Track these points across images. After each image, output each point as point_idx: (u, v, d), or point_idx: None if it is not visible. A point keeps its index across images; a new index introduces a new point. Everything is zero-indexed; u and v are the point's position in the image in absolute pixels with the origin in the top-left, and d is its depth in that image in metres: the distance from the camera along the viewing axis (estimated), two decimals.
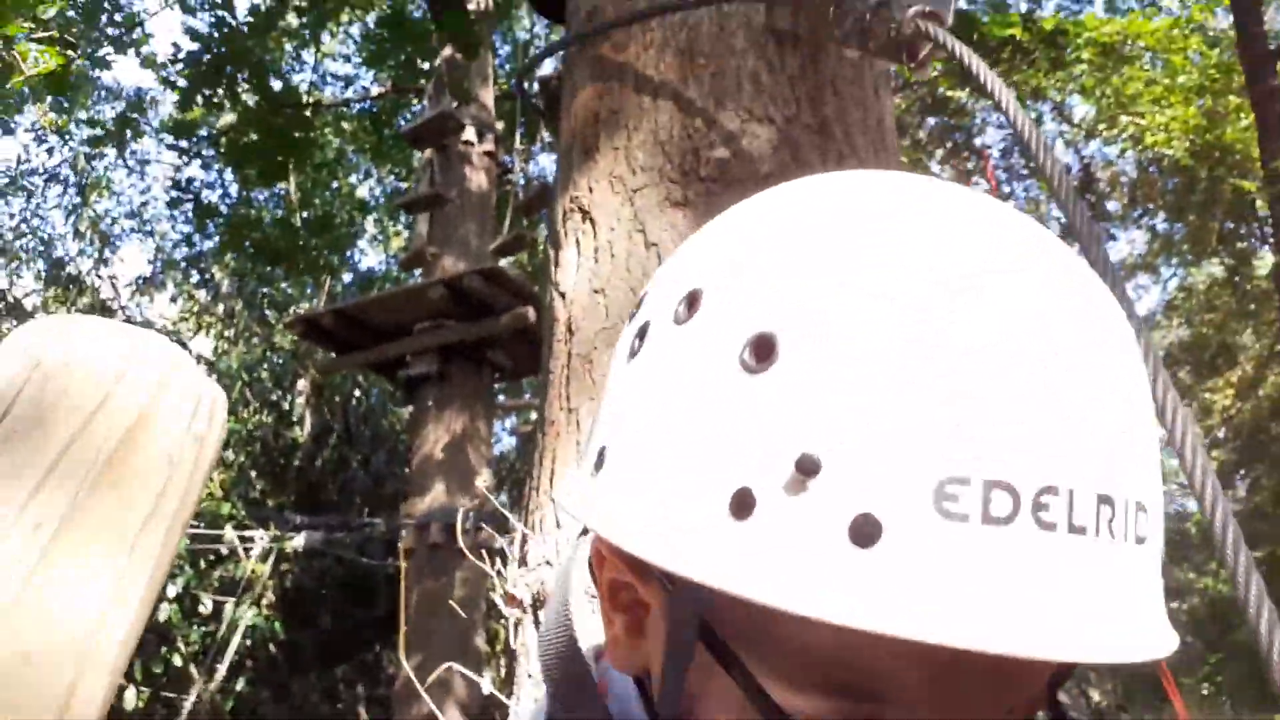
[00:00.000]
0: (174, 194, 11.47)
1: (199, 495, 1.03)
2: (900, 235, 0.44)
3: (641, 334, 0.50)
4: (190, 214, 11.60)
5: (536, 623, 1.68)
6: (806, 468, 0.40)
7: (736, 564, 0.41)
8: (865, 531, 0.39)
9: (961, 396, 0.40)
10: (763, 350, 0.43)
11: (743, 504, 0.41)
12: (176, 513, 0.97)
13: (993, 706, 0.44)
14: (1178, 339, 15.81)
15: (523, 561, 1.79)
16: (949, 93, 11.97)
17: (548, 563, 1.73)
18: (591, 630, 0.57)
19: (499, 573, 1.78)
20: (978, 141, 14.45)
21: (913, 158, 12.76)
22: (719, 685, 0.46)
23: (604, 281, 1.85)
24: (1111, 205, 15.54)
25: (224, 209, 12.29)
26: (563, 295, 1.93)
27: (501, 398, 10.94)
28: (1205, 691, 17.83)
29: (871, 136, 2.02)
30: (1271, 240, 11.19)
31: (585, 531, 0.57)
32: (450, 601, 6.41)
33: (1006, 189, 14.84)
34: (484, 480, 7.70)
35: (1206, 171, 12.78)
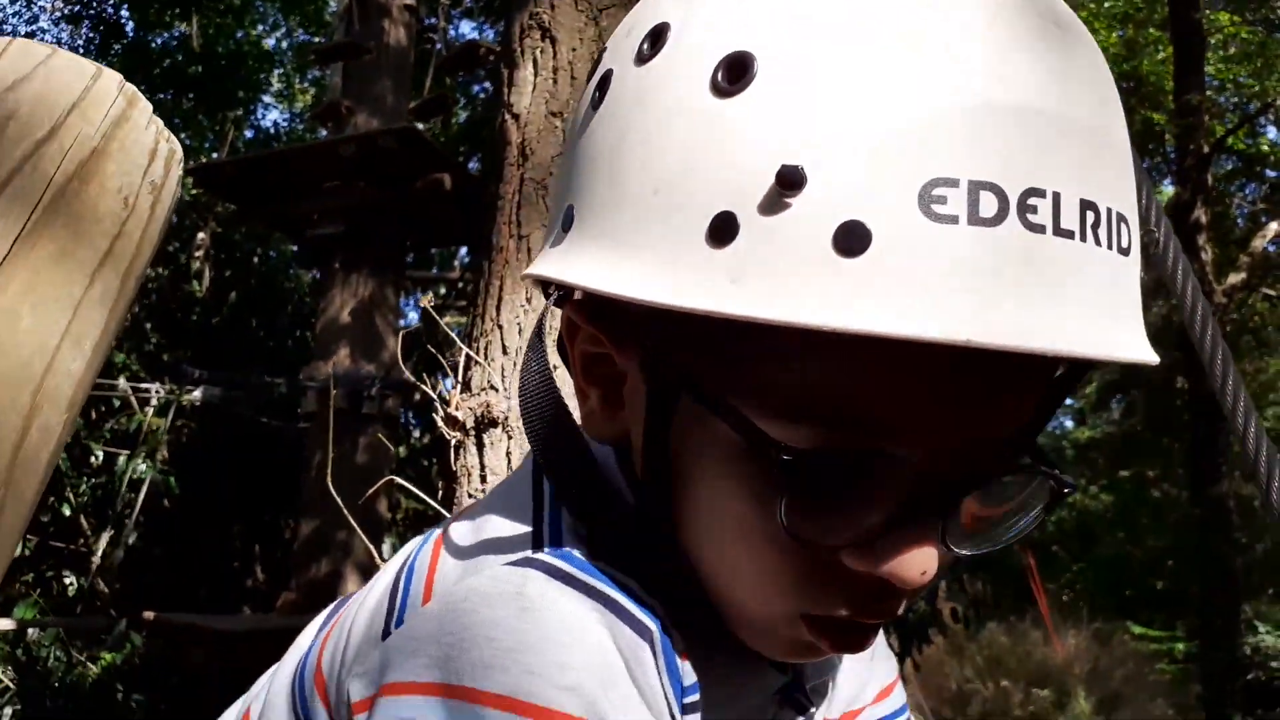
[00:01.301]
0: (73, 12, 10.59)
1: (152, 253, 0.96)
2: None
3: (602, 84, 0.49)
4: (84, 44, 10.77)
5: (479, 446, 1.66)
6: (788, 181, 0.39)
7: (724, 288, 0.41)
8: (852, 239, 0.39)
9: (946, 100, 0.39)
10: (736, 70, 0.42)
11: (723, 228, 0.41)
12: (132, 261, 0.91)
13: (987, 431, 0.44)
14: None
15: (465, 386, 1.75)
16: None
17: (491, 388, 1.70)
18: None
19: (440, 396, 1.75)
20: None
21: None
22: (703, 436, 0.46)
23: (562, 104, 1.79)
24: None
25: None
26: (516, 117, 1.85)
27: (409, 270, 10.72)
28: (1066, 598, 19.09)
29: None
30: (1174, 173, 11.58)
31: (556, 302, 0.55)
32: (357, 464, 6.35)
33: None
34: (392, 350, 7.58)
35: (1121, 100, 13.07)
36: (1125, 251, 0.43)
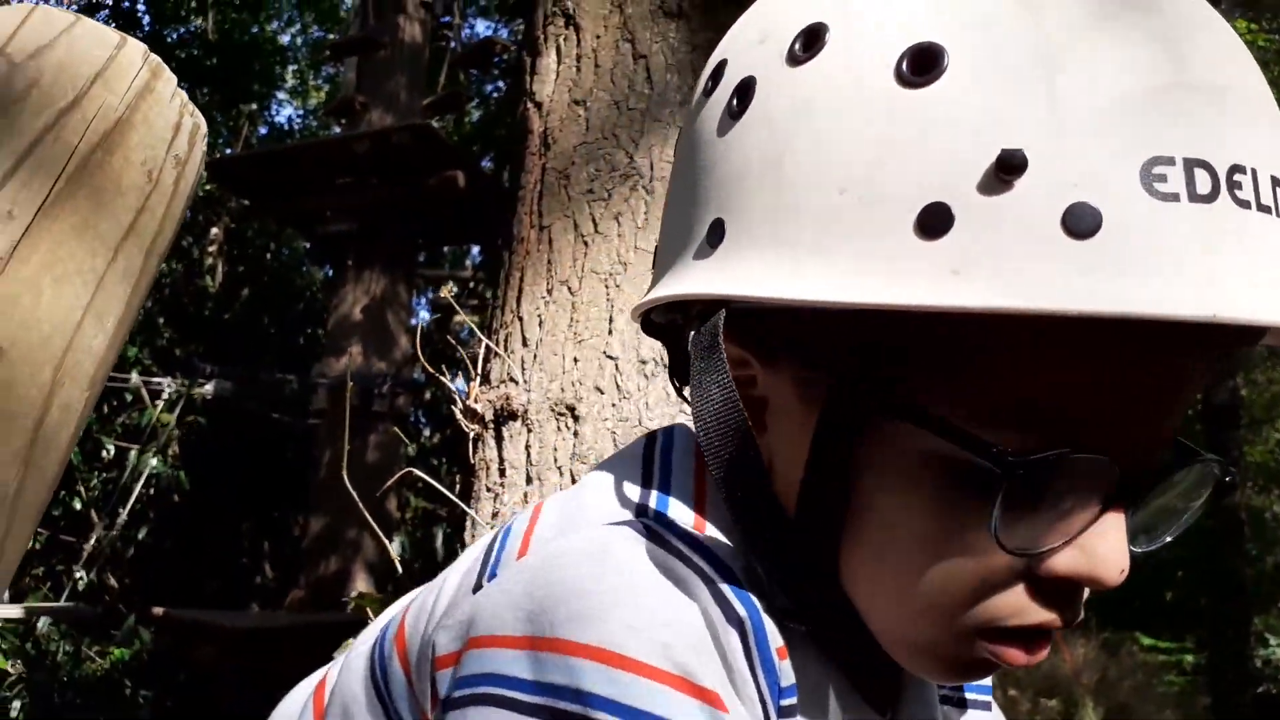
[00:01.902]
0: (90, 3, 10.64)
1: (176, 228, 0.93)
2: None
3: (743, 92, 0.46)
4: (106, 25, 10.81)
5: (498, 439, 1.63)
6: (1010, 165, 0.38)
7: (946, 280, 0.39)
8: (1083, 221, 0.38)
9: (1152, 78, 0.39)
10: (925, 61, 0.40)
11: (936, 219, 0.39)
12: (155, 237, 0.88)
13: (1167, 415, 0.44)
14: None
15: (485, 379, 1.73)
16: None
17: (511, 380, 1.67)
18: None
19: (458, 391, 1.72)
20: None
21: None
22: (880, 452, 0.44)
23: (586, 92, 1.76)
24: None
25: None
26: (538, 105, 1.82)
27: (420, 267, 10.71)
28: None
29: None
30: None
31: (684, 340, 0.53)
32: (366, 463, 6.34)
33: None
34: (404, 348, 7.57)
35: None
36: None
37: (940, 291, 0.39)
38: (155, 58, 0.92)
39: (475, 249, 11.00)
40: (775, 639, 0.45)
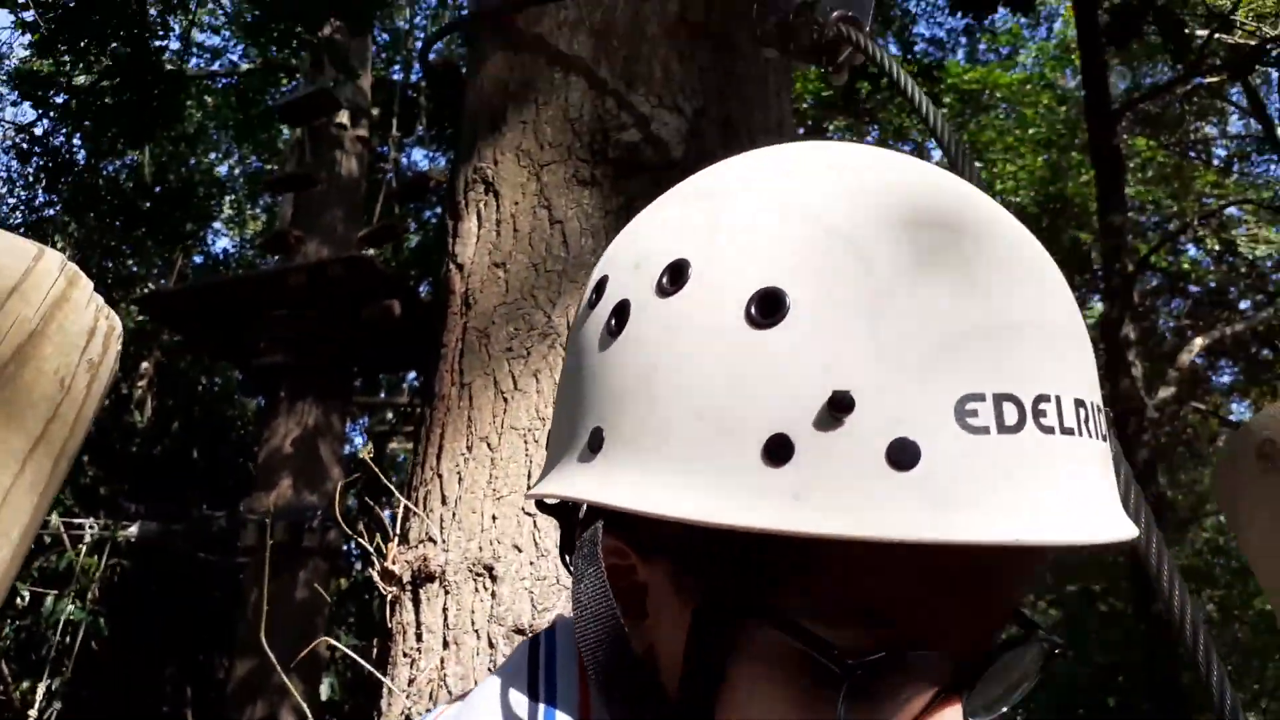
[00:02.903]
0: (22, 146, 10.63)
1: (87, 429, 0.96)
2: (869, 190, 0.49)
3: (619, 313, 0.51)
4: (33, 174, 10.78)
5: (415, 602, 1.63)
6: (840, 404, 0.43)
7: (788, 505, 0.43)
8: (904, 454, 0.42)
9: (966, 323, 0.44)
10: (769, 305, 0.45)
11: (779, 449, 0.44)
12: (66, 443, 0.90)
13: (998, 610, 0.49)
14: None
15: (404, 538, 1.74)
16: (822, 125, 12.38)
17: (430, 539, 1.68)
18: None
19: (377, 548, 1.73)
20: None
21: None
22: (746, 645, 0.48)
23: (505, 255, 1.83)
24: None
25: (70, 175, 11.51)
26: (460, 267, 1.89)
27: (356, 396, 10.63)
28: (1019, 718, 18.84)
29: (772, 138, 2.07)
30: (1102, 291, 11.98)
31: (574, 520, 0.58)
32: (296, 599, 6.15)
33: None
34: (336, 479, 7.45)
35: (1048, 221, 13.64)
36: (1104, 438, 0.49)
37: (784, 517, 0.43)
38: (72, 266, 0.96)
39: (412, 374, 10.99)
40: None
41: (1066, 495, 0.44)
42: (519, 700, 0.54)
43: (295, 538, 7.00)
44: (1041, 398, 0.44)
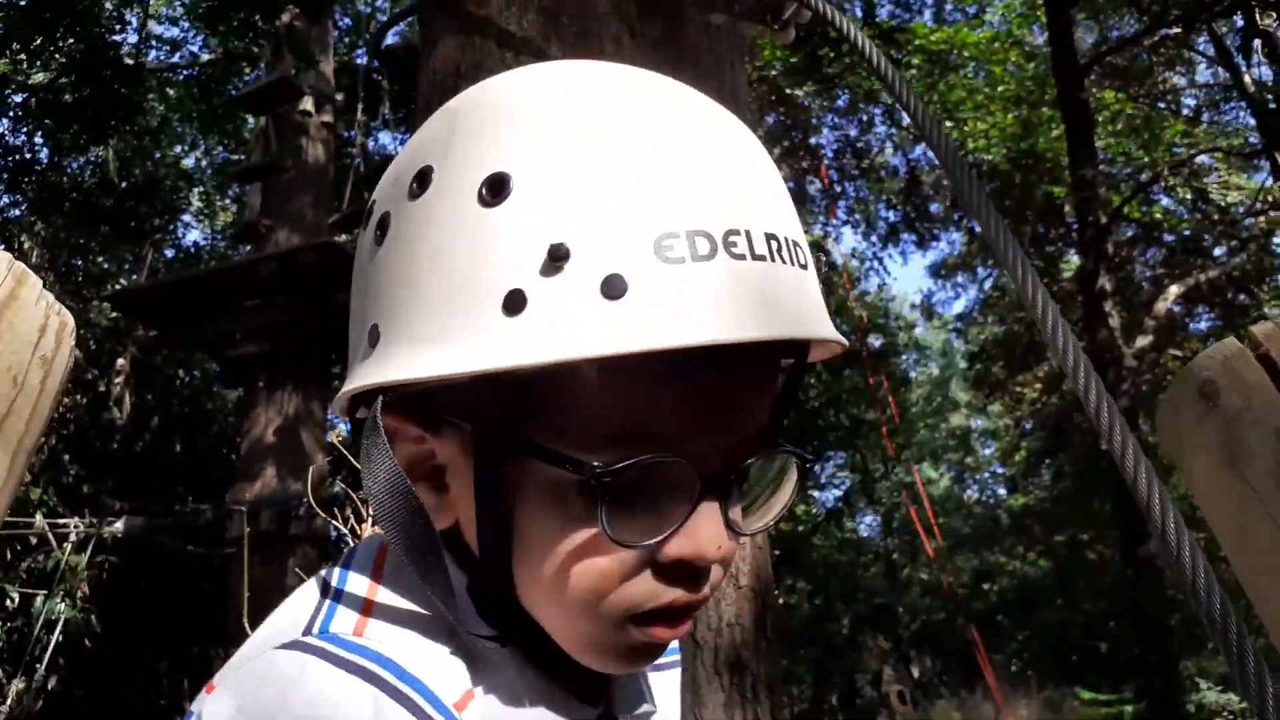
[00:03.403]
0: None
1: (44, 426, 0.97)
2: (581, 87, 0.58)
3: (382, 224, 0.60)
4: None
5: None
6: (558, 254, 0.51)
7: (525, 346, 0.51)
8: (615, 287, 0.51)
9: (658, 178, 0.54)
10: (496, 186, 0.54)
11: (514, 301, 0.52)
12: (21, 438, 0.92)
13: (736, 422, 0.58)
14: (992, 335, 16.81)
15: (375, 522, 1.76)
16: (789, 90, 12.37)
17: None
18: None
19: (351, 529, 1.75)
20: (813, 141, 14.98)
21: None
22: (526, 482, 0.56)
23: None
24: (934, 207, 16.43)
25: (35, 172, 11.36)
26: None
27: (335, 382, 10.60)
28: (1014, 668, 19.08)
29: (727, 108, 2.08)
30: (1077, 244, 12.06)
31: (367, 422, 0.62)
32: (286, 589, 6.17)
33: (838, 188, 15.46)
34: (320, 463, 7.46)
35: (1021, 177, 13.69)
36: (804, 267, 0.58)
37: (521, 353, 0.51)
38: (19, 265, 0.97)
39: None
40: (452, 695, 0.54)
41: (756, 305, 0.53)
42: (305, 606, 0.59)
43: (282, 526, 7.03)
44: (731, 232, 0.54)
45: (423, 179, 0.57)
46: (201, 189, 15.09)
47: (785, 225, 0.58)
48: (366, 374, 0.58)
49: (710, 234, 0.53)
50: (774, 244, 0.56)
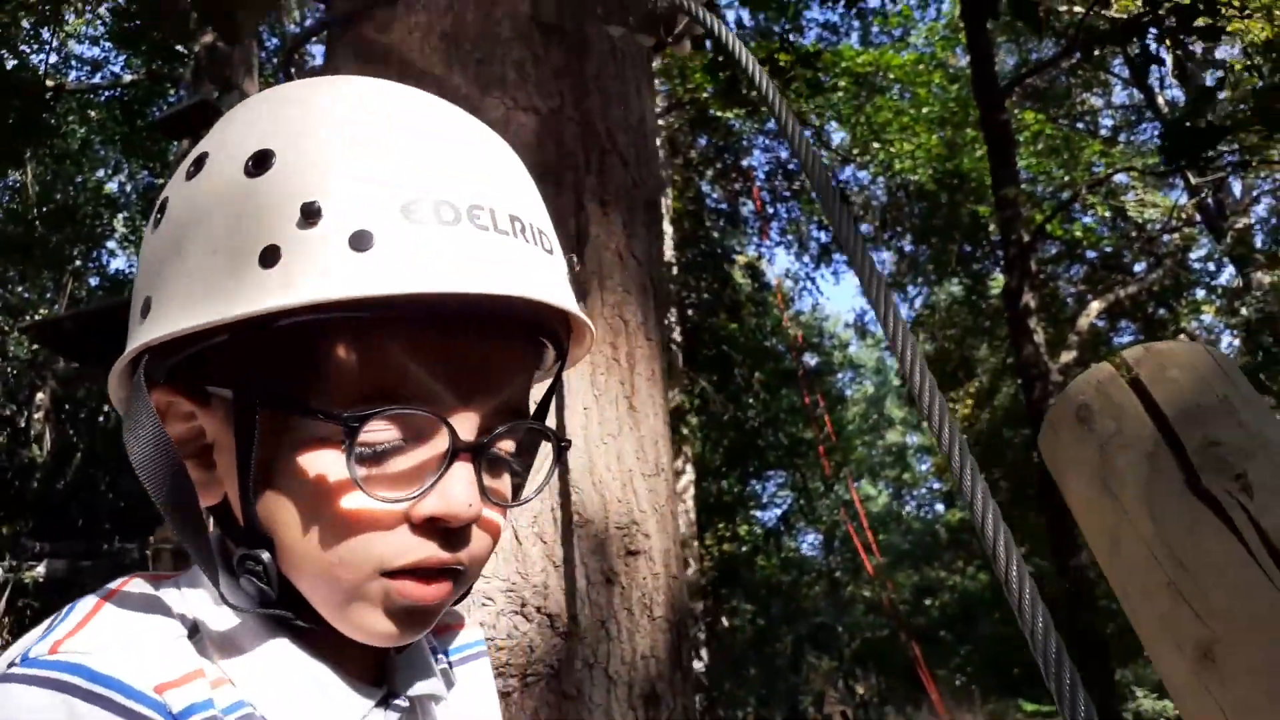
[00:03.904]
0: None
1: None
2: (351, 89, 0.63)
3: (161, 207, 0.63)
4: None
5: None
6: (310, 212, 0.56)
7: (277, 292, 0.55)
8: (362, 241, 0.55)
9: (410, 152, 0.59)
10: (261, 160, 0.58)
11: (270, 255, 0.55)
12: None
13: (489, 389, 0.61)
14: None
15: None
16: (718, 114, 12.49)
17: None
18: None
19: None
20: (745, 163, 15.14)
21: (684, 176, 13.20)
22: (284, 440, 0.58)
23: None
24: (865, 228, 16.70)
25: None
26: None
27: None
28: (958, 682, 19.31)
29: (633, 135, 2.09)
30: (1002, 263, 12.32)
31: (132, 385, 0.64)
32: None
33: (770, 209, 15.64)
34: None
35: (947, 197, 13.98)
36: (550, 252, 0.63)
37: (272, 299, 0.54)
38: None
39: None
40: (156, 679, 0.55)
41: (497, 271, 0.58)
42: (150, 598, 0.60)
43: None
44: (476, 206, 0.59)
45: (199, 163, 0.61)
46: (126, 214, 14.76)
47: (531, 213, 0.63)
48: (135, 340, 0.60)
49: (455, 205, 0.58)
50: (517, 224, 0.61)
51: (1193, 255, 14.56)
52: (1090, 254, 14.93)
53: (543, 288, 0.60)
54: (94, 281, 13.72)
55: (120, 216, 14.62)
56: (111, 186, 14.67)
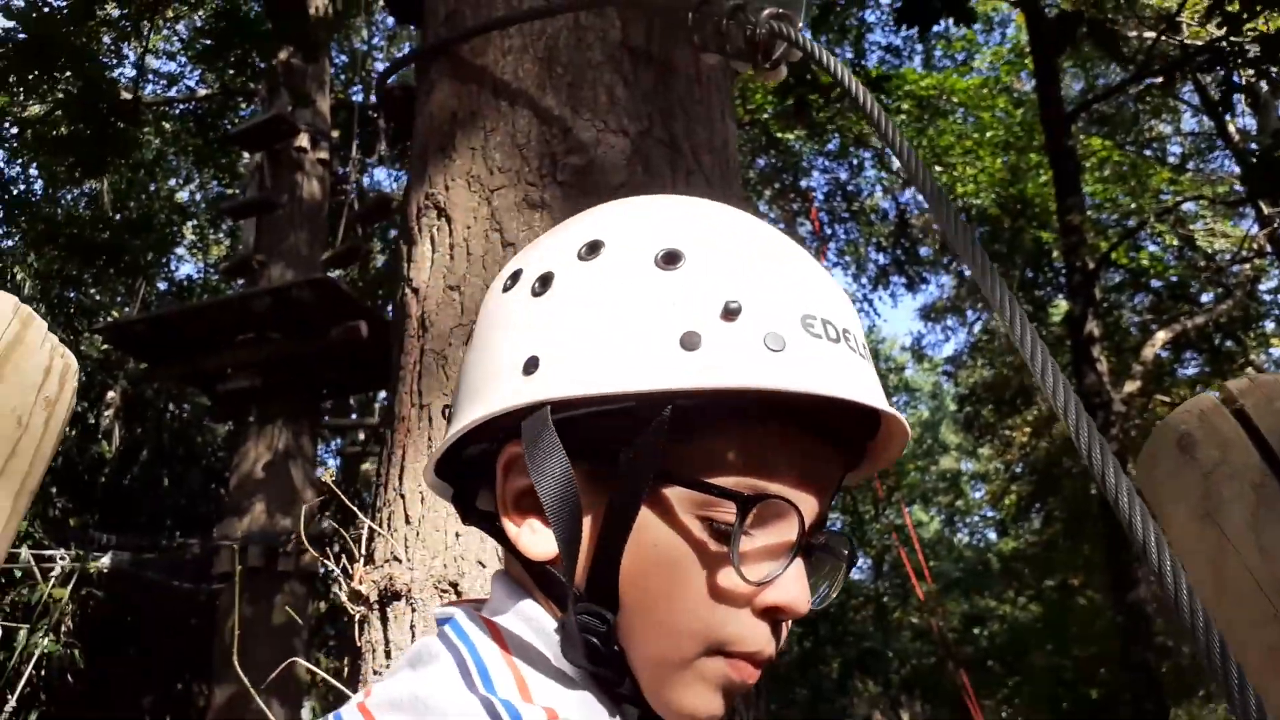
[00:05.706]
0: None
1: (46, 466, 0.99)
2: (707, 205, 0.72)
3: (544, 280, 0.67)
4: None
5: (383, 620, 1.66)
6: (731, 311, 0.62)
7: (698, 374, 0.60)
8: (777, 342, 0.62)
9: (790, 272, 0.67)
10: (672, 257, 0.64)
11: (691, 339, 0.61)
12: (25, 479, 0.94)
13: (827, 489, 0.67)
14: (981, 378, 16.85)
15: (369, 559, 1.77)
16: (779, 135, 12.51)
17: (395, 559, 1.72)
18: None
19: (344, 569, 1.76)
20: (804, 184, 15.12)
21: (743, 196, 13.21)
22: (652, 509, 0.62)
23: (459, 278, 1.87)
24: (924, 250, 16.56)
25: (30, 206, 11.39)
26: (415, 291, 1.93)
27: (326, 418, 10.57)
28: (1005, 714, 18.92)
29: (717, 156, 2.12)
30: (1065, 289, 12.13)
31: (468, 485, 0.69)
32: (275, 622, 6.12)
33: (828, 230, 15.58)
34: (309, 502, 7.42)
35: (1010, 222, 13.82)
36: (866, 359, 0.69)
37: (702, 378, 0.60)
38: (25, 308, 0.99)
39: (383, 394, 10.95)
40: None
41: (864, 384, 0.65)
42: (464, 680, 0.61)
43: (270, 562, 6.98)
44: (846, 329, 0.66)
45: (593, 248, 0.66)
46: (195, 222, 15.13)
47: (856, 326, 0.69)
48: (529, 393, 0.63)
49: (834, 324, 0.65)
50: (862, 346, 0.68)
51: (1263, 286, 14.19)
52: (1156, 283, 14.63)
53: (884, 401, 0.66)
54: (163, 286, 14.09)
55: (189, 225, 15.00)
56: (182, 196, 15.07)
